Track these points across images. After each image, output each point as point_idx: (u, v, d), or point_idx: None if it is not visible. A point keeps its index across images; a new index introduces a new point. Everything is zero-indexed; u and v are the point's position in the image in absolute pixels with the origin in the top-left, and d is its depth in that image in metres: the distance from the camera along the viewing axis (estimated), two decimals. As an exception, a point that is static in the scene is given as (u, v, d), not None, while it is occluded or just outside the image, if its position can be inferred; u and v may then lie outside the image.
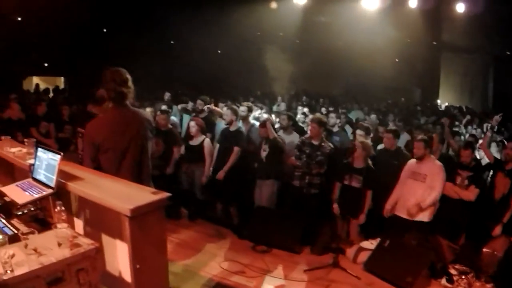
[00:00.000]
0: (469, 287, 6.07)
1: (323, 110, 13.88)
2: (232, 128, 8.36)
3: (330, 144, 7.93)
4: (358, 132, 8.31)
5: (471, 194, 7.17)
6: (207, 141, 8.62)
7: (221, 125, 9.41)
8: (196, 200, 8.70)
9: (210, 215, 8.63)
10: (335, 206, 7.59)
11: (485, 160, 8.16)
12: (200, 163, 8.55)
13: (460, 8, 17.43)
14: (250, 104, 10.45)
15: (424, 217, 6.91)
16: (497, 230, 6.74)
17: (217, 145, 8.73)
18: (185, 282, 5.82)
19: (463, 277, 6.08)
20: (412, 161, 7.20)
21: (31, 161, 4.23)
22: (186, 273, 6.16)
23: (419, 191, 6.91)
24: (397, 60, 23.44)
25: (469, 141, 8.41)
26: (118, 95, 4.51)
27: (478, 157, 8.41)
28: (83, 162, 4.67)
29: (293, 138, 8.61)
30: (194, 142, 8.57)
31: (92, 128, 4.60)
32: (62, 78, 23.52)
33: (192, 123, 8.57)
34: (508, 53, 21.96)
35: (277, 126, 9.28)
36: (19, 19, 19.12)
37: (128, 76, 4.60)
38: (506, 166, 7.27)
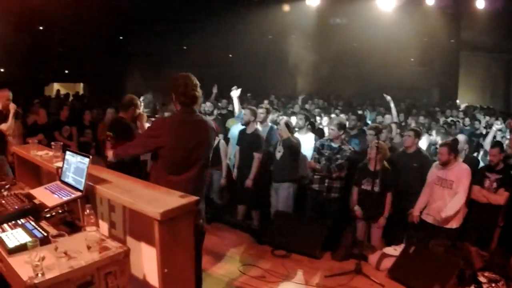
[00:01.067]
0: (499, 295, 5.89)
1: (337, 111, 13.86)
2: (249, 130, 8.25)
3: (351, 147, 7.86)
4: (369, 132, 8.04)
5: (500, 198, 6.96)
6: (222, 142, 8.64)
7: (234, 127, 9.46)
8: (214, 204, 8.68)
9: (228, 219, 8.58)
10: (357, 208, 7.52)
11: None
12: (218, 165, 8.55)
13: (480, 4, 16.96)
14: (268, 106, 10.45)
15: (453, 224, 6.81)
16: None
17: (237, 147, 8.64)
18: (205, 286, 5.75)
19: (493, 285, 5.86)
20: (437, 165, 7.08)
21: (59, 164, 4.23)
22: (206, 277, 6.00)
23: (447, 198, 6.79)
24: (412, 59, 23.26)
25: (498, 140, 8.22)
26: (188, 99, 4.54)
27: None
28: (132, 147, 4.75)
29: (308, 139, 8.59)
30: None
31: (159, 125, 4.68)
32: (81, 84, 23.81)
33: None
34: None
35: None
36: (41, 28, 19.41)
37: (198, 82, 4.65)
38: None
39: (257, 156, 8.12)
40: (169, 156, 4.43)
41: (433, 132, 9.98)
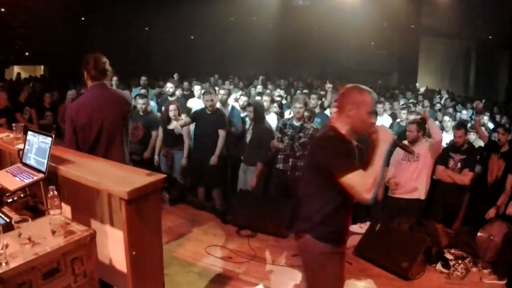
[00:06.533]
0: (466, 273, 5.93)
1: (298, 92, 13.88)
2: (211, 111, 8.17)
3: (313, 125, 7.79)
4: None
5: (465, 178, 7.12)
6: None
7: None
8: (177, 184, 8.61)
9: (191, 199, 8.52)
10: None
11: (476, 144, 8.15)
12: (180, 146, 8.49)
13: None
14: (230, 87, 10.38)
15: (419, 194, 6.86)
16: (492, 213, 6.70)
17: (192, 128, 8.61)
18: (173, 268, 5.70)
19: (460, 262, 5.95)
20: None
21: (20, 146, 4.07)
22: (172, 259, 6.03)
23: (415, 171, 6.89)
24: (372, 43, 23.47)
25: (462, 122, 8.29)
26: (98, 71, 4.72)
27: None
28: (65, 144, 4.61)
29: (271, 119, 8.75)
30: (173, 125, 8.45)
31: (71, 108, 4.77)
32: (42, 67, 23.50)
33: (172, 107, 8.43)
34: (490, 37, 21.95)
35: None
36: (3, 10, 19.11)
37: (107, 60, 4.83)
38: (501, 149, 7.18)
39: (222, 133, 8.11)
40: (85, 132, 4.57)
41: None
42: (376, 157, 3.42)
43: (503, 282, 5.79)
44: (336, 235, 3.50)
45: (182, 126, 8.19)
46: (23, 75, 19.97)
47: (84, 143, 4.58)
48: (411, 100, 14.29)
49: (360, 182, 3.21)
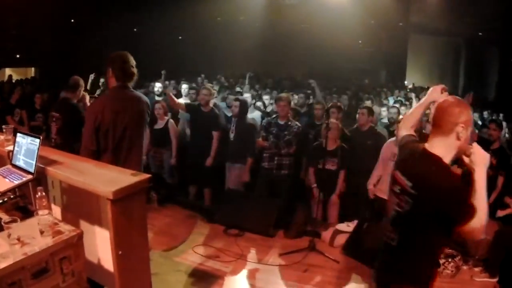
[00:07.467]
0: (456, 271, 5.99)
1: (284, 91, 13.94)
2: (206, 109, 8.20)
3: (297, 123, 7.85)
4: (332, 110, 7.91)
5: None
6: (171, 122, 8.63)
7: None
8: (165, 184, 8.66)
9: (180, 199, 8.55)
10: (315, 189, 7.59)
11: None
12: (168, 145, 8.56)
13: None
14: (216, 88, 10.43)
15: None
16: None
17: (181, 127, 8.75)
18: (161, 268, 5.73)
19: (450, 260, 5.99)
20: (392, 141, 7.08)
21: (10, 148, 4.12)
22: (160, 258, 6.07)
23: None
24: (360, 41, 23.46)
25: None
26: (125, 74, 4.67)
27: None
28: (83, 143, 4.58)
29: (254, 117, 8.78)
30: (159, 125, 8.57)
31: (95, 107, 4.64)
32: (33, 69, 23.41)
33: (158, 106, 8.51)
34: (480, 34, 21.97)
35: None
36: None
37: (134, 62, 4.78)
38: (491, 146, 7.18)
39: (216, 134, 8.14)
40: (109, 133, 4.47)
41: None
42: (477, 188, 2.96)
43: (495, 279, 5.86)
44: (430, 283, 3.15)
45: (175, 106, 8.36)
46: (15, 77, 19.87)
47: (106, 144, 4.49)
48: (399, 98, 14.33)
49: (479, 225, 2.83)
